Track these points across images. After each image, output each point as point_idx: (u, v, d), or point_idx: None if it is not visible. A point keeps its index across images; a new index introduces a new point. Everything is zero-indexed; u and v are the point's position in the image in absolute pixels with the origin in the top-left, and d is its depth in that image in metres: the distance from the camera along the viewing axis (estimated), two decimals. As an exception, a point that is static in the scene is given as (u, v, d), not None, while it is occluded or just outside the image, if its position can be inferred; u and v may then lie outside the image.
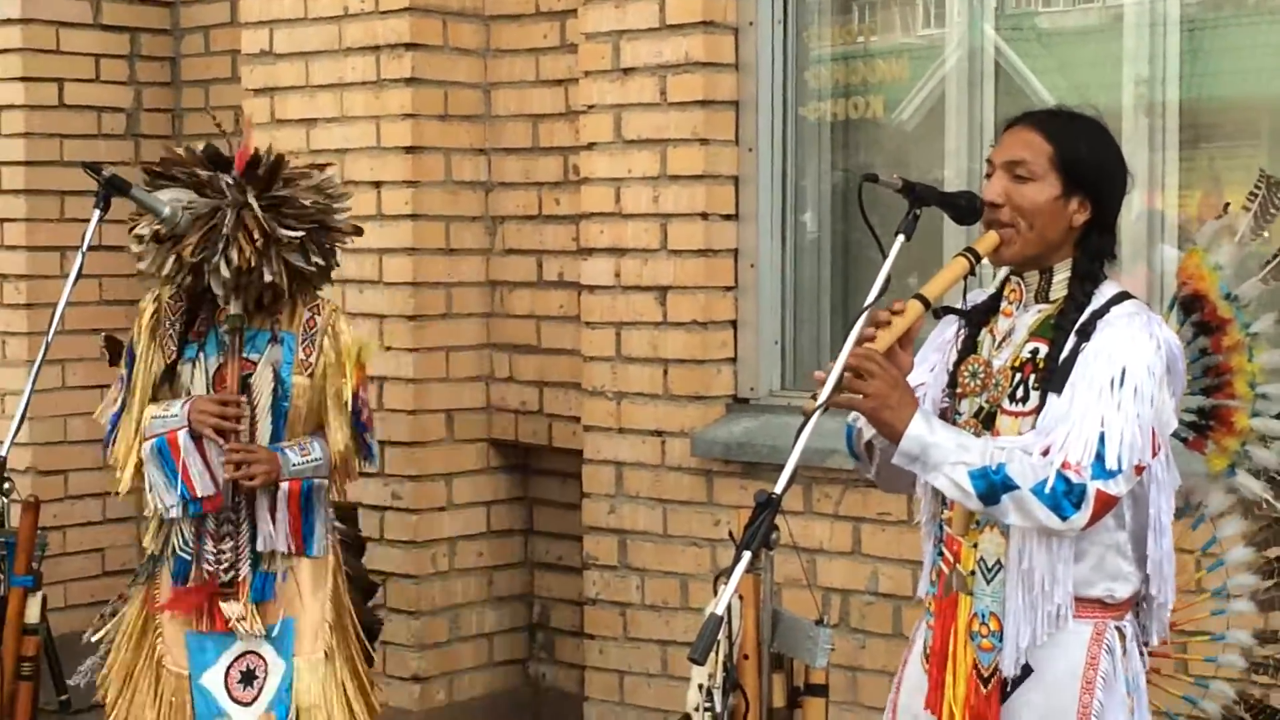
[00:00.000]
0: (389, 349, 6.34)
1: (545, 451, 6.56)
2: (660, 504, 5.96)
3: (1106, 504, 3.28)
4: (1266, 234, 3.88)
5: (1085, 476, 3.24)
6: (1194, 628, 4.01)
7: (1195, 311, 3.84)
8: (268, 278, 4.64)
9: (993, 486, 3.25)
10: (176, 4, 7.69)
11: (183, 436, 4.67)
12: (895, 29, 5.99)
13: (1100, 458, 3.25)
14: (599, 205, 6.03)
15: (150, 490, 4.74)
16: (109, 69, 7.53)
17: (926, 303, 3.37)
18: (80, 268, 4.77)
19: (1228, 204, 3.93)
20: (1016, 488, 3.25)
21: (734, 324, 5.92)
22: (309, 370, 4.78)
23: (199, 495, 4.68)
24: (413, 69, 6.30)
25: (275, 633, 4.79)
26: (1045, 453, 3.28)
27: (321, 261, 4.78)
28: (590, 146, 6.05)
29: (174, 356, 4.78)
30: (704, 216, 5.83)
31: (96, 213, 4.74)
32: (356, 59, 6.41)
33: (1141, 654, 3.52)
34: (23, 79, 7.26)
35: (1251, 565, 3.95)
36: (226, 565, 4.75)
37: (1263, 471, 3.85)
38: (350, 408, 4.81)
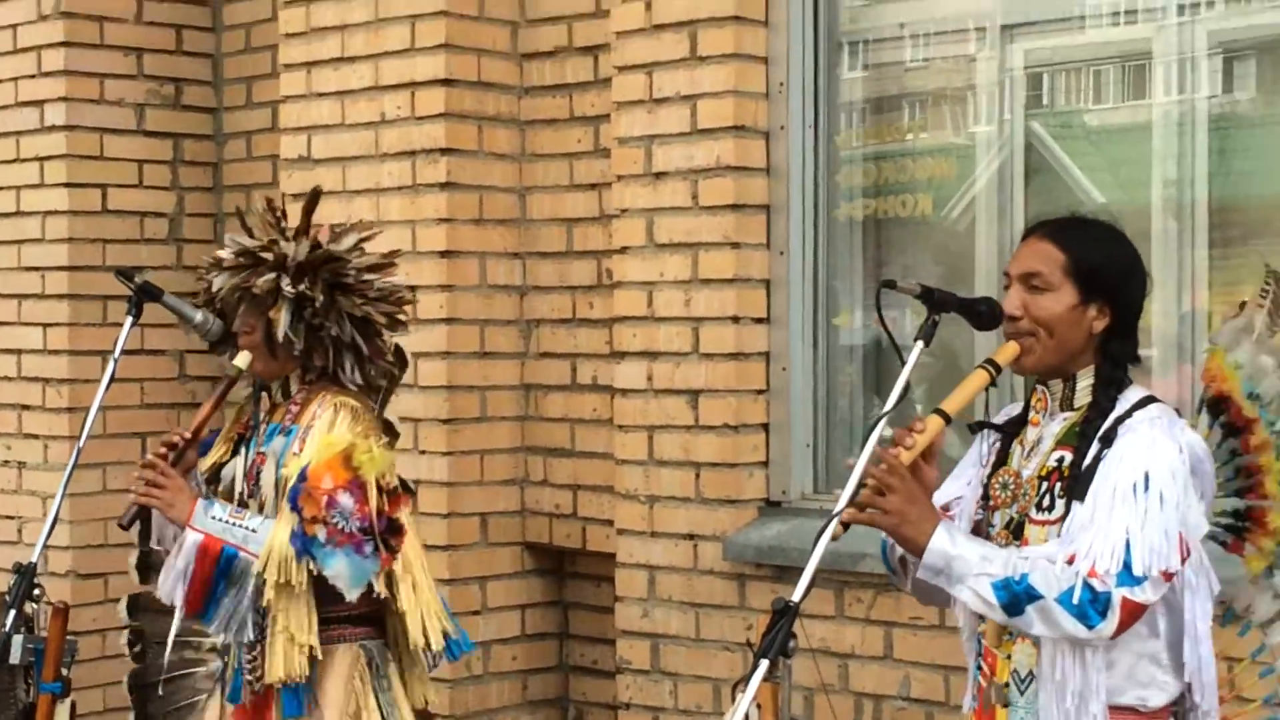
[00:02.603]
0: (423, 453, 6.36)
1: (580, 555, 6.55)
2: (693, 608, 5.93)
3: (1133, 612, 3.25)
4: None
5: (1110, 584, 3.22)
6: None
7: (1222, 413, 3.81)
8: (281, 330, 4.45)
9: (1016, 597, 3.24)
10: (219, 110, 7.78)
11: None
12: (927, 130, 6.02)
13: (1126, 565, 3.24)
14: (631, 309, 6.05)
15: None
16: (152, 174, 7.61)
17: (947, 417, 3.38)
18: (113, 373, 4.79)
19: (1244, 302, 3.91)
20: (1040, 597, 3.23)
21: (766, 427, 5.91)
22: None
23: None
24: (448, 174, 6.36)
25: None
26: (1070, 561, 3.26)
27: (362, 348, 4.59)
28: (623, 250, 6.08)
29: (226, 457, 4.67)
30: (735, 320, 5.84)
31: (129, 319, 4.77)
32: (393, 164, 6.48)
33: None
34: (66, 185, 7.35)
35: None
36: (259, 675, 4.48)
37: None
38: (290, 502, 4.36)
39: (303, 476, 4.38)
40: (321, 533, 4.33)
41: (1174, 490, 3.30)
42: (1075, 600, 3.22)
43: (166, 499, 4.42)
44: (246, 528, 4.41)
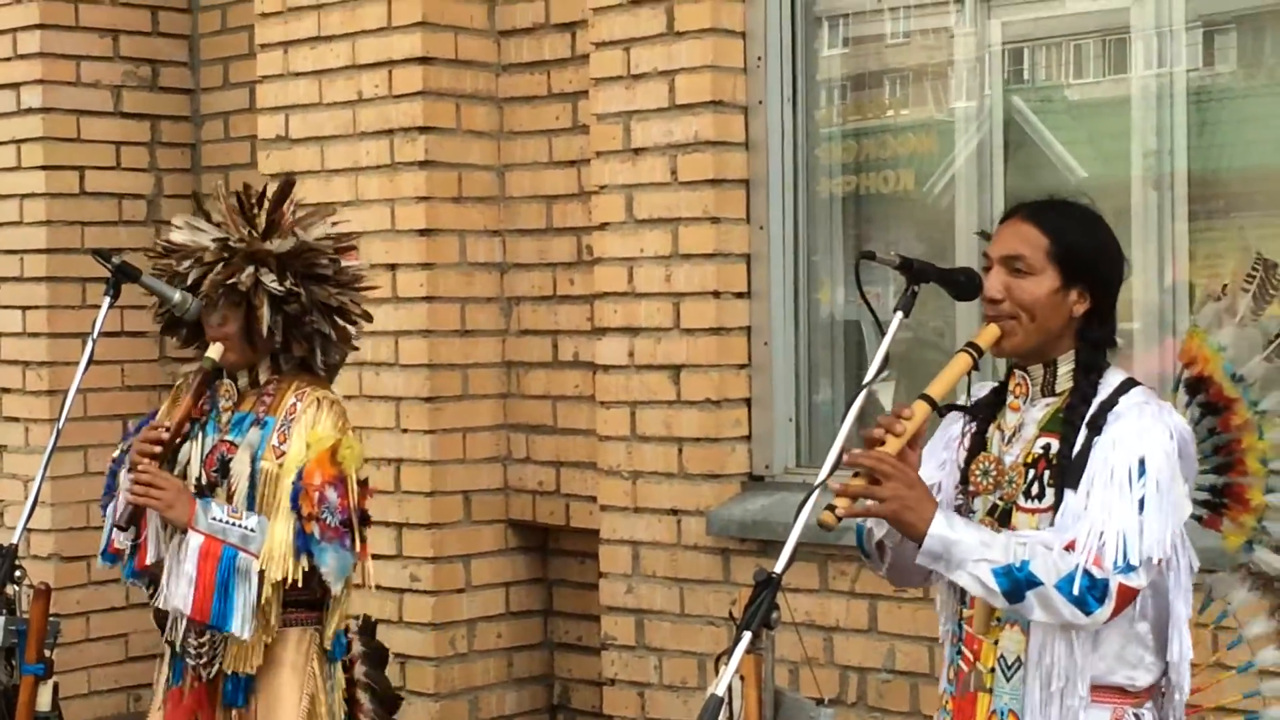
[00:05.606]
0: (406, 431, 6.36)
1: (563, 532, 6.55)
2: (677, 583, 5.94)
3: (1127, 598, 3.28)
4: (1265, 314, 3.86)
5: (1108, 571, 3.24)
6: (1215, 704, 3.96)
7: (1200, 392, 3.82)
8: (265, 323, 4.42)
9: (1017, 583, 3.25)
10: (196, 91, 7.76)
11: (123, 476, 4.47)
12: (907, 106, 6.01)
13: (1123, 552, 3.25)
14: (612, 285, 6.04)
15: None
16: (129, 156, 7.59)
17: (933, 403, 3.37)
18: (91, 354, 4.75)
19: (1225, 285, 3.90)
20: (1040, 584, 3.24)
21: (748, 402, 5.92)
22: (279, 457, 4.44)
23: (117, 547, 4.50)
24: (426, 152, 6.35)
25: None
26: (1068, 548, 3.27)
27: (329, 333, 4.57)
28: (603, 226, 6.07)
29: (183, 432, 4.60)
30: (716, 295, 5.84)
31: (106, 300, 4.74)
32: (371, 143, 6.46)
33: None
34: (44, 168, 7.33)
35: (1275, 639, 3.91)
36: (205, 660, 4.48)
37: None
38: (290, 501, 4.38)
39: (299, 476, 4.40)
40: (316, 530, 4.37)
41: (1167, 475, 3.33)
42: (1075, 589, 3.23)
43: (167, 500, 4.37)
44: (245, 527, 4.40)
